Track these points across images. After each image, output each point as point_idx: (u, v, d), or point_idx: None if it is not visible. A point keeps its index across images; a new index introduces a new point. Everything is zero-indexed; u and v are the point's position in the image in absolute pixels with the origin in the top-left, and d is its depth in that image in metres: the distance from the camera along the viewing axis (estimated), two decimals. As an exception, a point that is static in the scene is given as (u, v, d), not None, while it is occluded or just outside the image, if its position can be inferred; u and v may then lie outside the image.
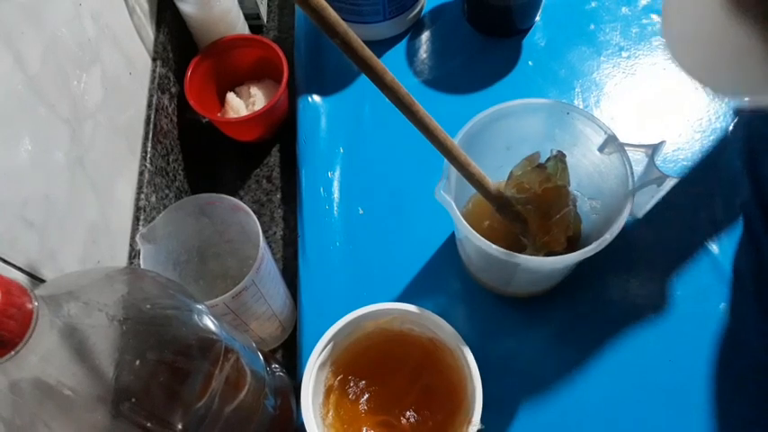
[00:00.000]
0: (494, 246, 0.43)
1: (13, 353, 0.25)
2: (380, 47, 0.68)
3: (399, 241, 0.58)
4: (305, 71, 0.67)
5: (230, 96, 0.66)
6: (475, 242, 0.43)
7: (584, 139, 0.48)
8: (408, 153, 0.61)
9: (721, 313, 0.53)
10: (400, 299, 0.55)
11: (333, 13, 0.33)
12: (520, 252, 0.43)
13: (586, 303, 0.54)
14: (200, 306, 0.35)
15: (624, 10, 0.68)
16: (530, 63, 0.66)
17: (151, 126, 0.57)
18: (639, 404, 0.50)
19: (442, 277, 0.56)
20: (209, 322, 0.34)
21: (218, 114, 0.66)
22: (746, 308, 0.53)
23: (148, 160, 0.56)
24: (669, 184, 0.43)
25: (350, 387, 0.47)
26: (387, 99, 0.38)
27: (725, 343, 0.52)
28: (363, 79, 0.68)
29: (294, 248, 0.60)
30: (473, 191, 0.45)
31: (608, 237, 0.42)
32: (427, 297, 0.55)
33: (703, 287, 0.54)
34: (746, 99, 0.44)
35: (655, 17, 0.67)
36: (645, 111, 0.62)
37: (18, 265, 0.38)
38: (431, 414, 0.46)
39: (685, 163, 0.59)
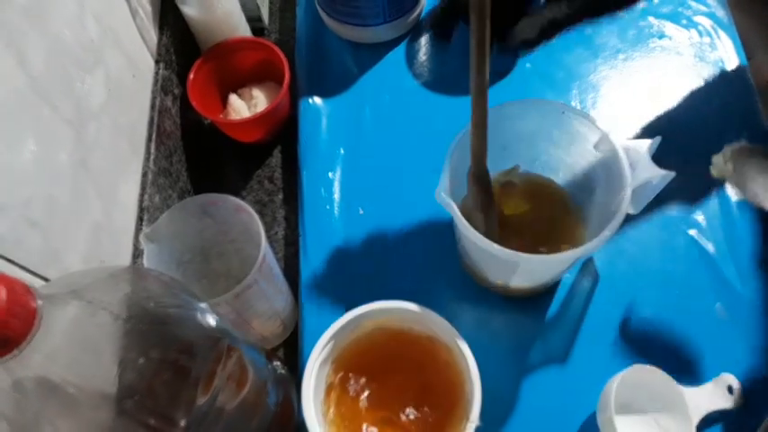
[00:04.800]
0: (494, 245, 0.43)
1: (17, 351, 0.25)
2: (380, 49, 0.68)
3: (399, 241, 0.58)
4: (306, 73, 0.68)
5: (232, 98, 0.66)
6: (475, 241, 0.43)
7: (580, 138, 0.48)
8: (408, 154, 0.62)
9: (718, 312, 0.53)
10: (400, 298, 0.55)
11: None
12: (521, 251, 0.44)
13: (585, 302, 0.54)
14: (202, 305, 0.35)
15: (621, 13, 0.68)
16: (527, 65, 0.66)
17: (154, 127, 0.58)
18: (638, 402, 0.50)
19: (442, 276, 0.56)
20: (211, 321, 0.35)
21: (221, 116, 0.67)
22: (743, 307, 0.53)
23: (151, 161, 0.56)
24: (665, 179, 0.43)
25: (350, 384, 0.47)
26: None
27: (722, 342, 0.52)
28: (364, 81, 0.68)
29: (295, 248, 0.60)
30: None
31: (606, 233, 0.43)
32: (427, 296, 0.55)
33: (700, 286, 0.54)
34: None
35: (651, 20, 0.68)
36: (641, 112, 0.63)
37: (22, 264, 0.38)
38: (430, 411, 0.46)
39: (682, 160, 0.59)
